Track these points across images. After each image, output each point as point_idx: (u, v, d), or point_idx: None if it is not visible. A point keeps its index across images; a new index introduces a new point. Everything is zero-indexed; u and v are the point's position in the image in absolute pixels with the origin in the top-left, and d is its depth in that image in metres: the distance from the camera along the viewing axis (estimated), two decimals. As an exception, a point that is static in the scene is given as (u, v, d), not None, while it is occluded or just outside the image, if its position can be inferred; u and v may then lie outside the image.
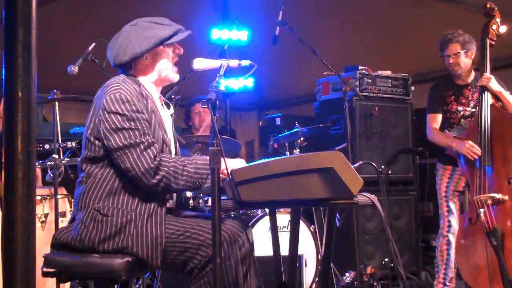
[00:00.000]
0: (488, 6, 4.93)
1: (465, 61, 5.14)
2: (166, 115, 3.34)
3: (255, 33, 7.66)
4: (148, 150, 2.97)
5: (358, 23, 7.62)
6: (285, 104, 9.93)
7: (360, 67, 6.24)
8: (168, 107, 3.41)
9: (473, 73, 5.24)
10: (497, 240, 4.44)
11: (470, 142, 4.76)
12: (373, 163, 3.45)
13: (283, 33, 5.26)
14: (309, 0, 7.42)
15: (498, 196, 4.51)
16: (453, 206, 5.20)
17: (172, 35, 3.24)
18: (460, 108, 5.17)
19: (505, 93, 4.91)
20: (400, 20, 7.40)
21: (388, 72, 6.43)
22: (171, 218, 3.12)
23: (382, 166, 6.09)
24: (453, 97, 5.22)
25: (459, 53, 5.12)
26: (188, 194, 5.26)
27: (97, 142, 3.05)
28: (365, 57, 7.02)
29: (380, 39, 7.65)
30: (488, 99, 4.77)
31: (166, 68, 3.27)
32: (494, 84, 4.82)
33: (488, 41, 4.85)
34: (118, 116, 2.98)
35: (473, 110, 5.13)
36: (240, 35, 7.56)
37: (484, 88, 4.81)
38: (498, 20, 4.91)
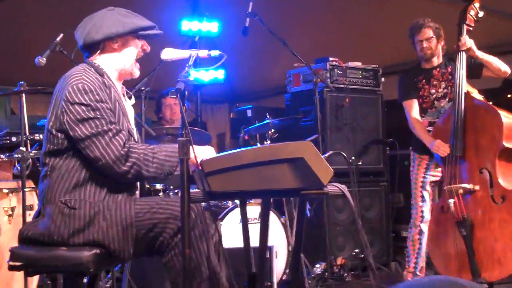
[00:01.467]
0: None
1: (435, 47, 5.22)
2: (128, 105, 3.31)
3: (225, 25, 7.63)
4: (117, 137, 2.94)
5: (328, 14, 7.61)
6: (256, 96, 9.90)
7: (331, 59, 6.25)
8: (130, 98, 3.38)
9: (441, 57, 5.31)
10: (467, 230, 4.48)
11: (439, 141, 4.81)
12: (343, 154, 3.45)
13: (254, 24, 5.24)
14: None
15: (469, 186, 4.54)
16: (427, 196, 5.24)
17: (148, 27, 3.22)
18: (433, 91, 5.24)
19: (483, 54, 4.95)
20: (371, 12, 7.40)
21: (358, 64, 6.45)
22: (137, 200, 3.10)
23: (353, 157, 6.10)
24: (424, 80, 5.28)
25: (432, 37, 5.19)
26: (158, 186, 5.24)
27: (59, 134, 3.00)
28: (335, 49, 7.01)
29: (351, 31, 7.66)
30: (464, 64, 4.77)
31: (130, 60, 3.24)
32: (471, 47, 4.83)
33: (465, 27, 4.85)
34: (83, 107, 2.94)
35: (445, 90, 5.19)
36: (210, 26, 7.53)
37: (466, 52, 4.82)
38: (477, 5, 4.87)
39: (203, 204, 5.15)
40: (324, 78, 5.95)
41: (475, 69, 5.03)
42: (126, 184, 3.08)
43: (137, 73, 3.31)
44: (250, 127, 5.83)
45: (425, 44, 5.19)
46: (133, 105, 3.40)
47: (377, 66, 6.50)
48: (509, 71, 5.07)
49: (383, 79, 6.51)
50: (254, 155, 2.69)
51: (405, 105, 5.31)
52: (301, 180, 2.70)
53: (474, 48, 4.85)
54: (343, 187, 2.92)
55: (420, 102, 5.27)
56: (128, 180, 2.99)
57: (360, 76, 6.39)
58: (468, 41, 4.80)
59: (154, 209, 3.00)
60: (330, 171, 2.71)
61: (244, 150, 2.74)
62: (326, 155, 2.93)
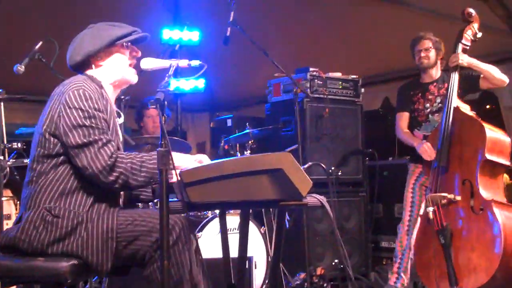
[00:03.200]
0: (465, 12, 5.03)
1: (434, 57, 5.36)
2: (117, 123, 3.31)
3: (206, 34, 7.65)
4: (105, 148, 2.93)
5: (309, 25, 7.64)
6: (237, 105, 9.90)
7: (311, 69, 6.25)
8: (119, 116, 3.38)
9: (439, 71, 5.43)
10: (446, 238, 4.54)
11: (428, 144, 4.94)
12: (322, 165, 3.46)
13: (235, 34, 5.24)
14: (261, 1, 7.43)
15: (450, 196, 4.60)
16: (417, 199, 5.32)
17: (125, 34, 3.21)
18: (428, 105, 5.36)
19: (479, 63, 5.03)
20: (351, 22, 7.45)
21: (338, 74, 6.47)
22: (122, 210, 3.09)
23: (332, 168, 6.10)
24: (419, 94, 5.41)
25: (430, 47, 5.33)
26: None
27: (52, 138, 3.00)
28: (316, 59, 7.05)
29: (331, 41, 7.70)
30: (456, 82, 4.87)
31: (122, 69, 3.24)
32: (465, 58, 4.94)
33: (460, 45, 4.96)
34: (80, 112, 2.95)
35: (440, 104, 5.27)
36: (191, 35, 7.54)
37: (455, 69, 4.90)
38: (475, 25, 5.00)
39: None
40: (304, 88, 5.96)
41: (473, 82, 5.13)
42: (111, 194, 3.07)
43: (135, 79, 3.30)
44: (230, 136, 5.83)
45: (422, 54, 5.35)
46: (121, 124, 3.41)
47: (357, 76, 6.53)
48: (506, 80, 5.14)
49: (363, 90, 6.53)
50: (233, 166, 2.69)
51: (397, 116, 5.51)
52: (280, 191, 2.71)
53: (464, 59, 4.92)
54: (322, 198, 2.94)
55: (416, 115, 5.42)
56: (116, 189, 2.99)
57: (340, 87, 6.41)
58: (455, 59, 4.91)
59: (136, 221, 3.00)
60: (309, 182, 2.72)
61: (223, 161, 2.74)
62: (305, 166, 2.94)
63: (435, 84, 5.39)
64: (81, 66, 3.20)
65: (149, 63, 3.11)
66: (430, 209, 4.60)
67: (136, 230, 2.98)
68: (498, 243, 4.33)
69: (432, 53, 5.34)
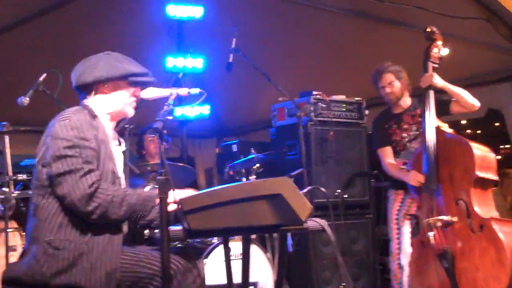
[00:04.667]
0: (428, 30, 5.00)
1: (399, 89, 5.33)
2: (118, 151, 3.33)
3: (210, 61, 7.70)
4: (87, 177, 2.94)
5: (311, 48, 7.70)
6: (242, 131, 9.94)
7: (315, 92, 6.26)
8: (120, 144, 3.39)
9: (409, 99, 5.41)
10: (448, 262, 4.48)
11: (413, 171, 4.86)
12: (322, 188, 3.46)
13: (239, 60, 5.29)
14: (262, 27, 7.48)
15: (446, 218, 4.55)
16: (404, 229, 5.25)
17: (140, 74, 3.25)
18: (404, 135, 5.33)
19: (450, 86, 4.99)
20: (353, 44, 7.49)
21: (342, 97, 6.47)
22: (126, 249, 3.10)
23: (339, 190, 6.10)
24: (395, 126, 5.38)
25: (393, 81, 5.32)
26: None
27: (44, 170, 3.04)
28: (319, 82, 7.07)
29: (334, 64, 7.74)
30: (432, 101, 4.83)
31: (121, 103, 3.27)
32: (438, 80, 4.91)
33: (430, 64, 4.94)
34: (64, 142, 2.97)
35: (417, 132, 5.26)
36: (195, 62, 7.60)
37: (428, 89, 4.87)
38: (439, 43, 4.98)
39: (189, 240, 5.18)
40: (308, 111, 5.97)
41: (443, 106, 5.09)
42: (111, 225, 3.07)
43: (131, 112, 3.33)
44: (235, 162, 5.84)
45: (388, 90, 5.34)
46: (123, 152, 3.42)
47: (360, 99, 6.53)
48: (477, 104, 5.08)
49: (367, 112, 6.53)
50: (233, 192, 2.71)
51: (379, 153, 5.46)
52: (280, 216, 2.73)
53: (438, 81, 4.90)
54: (323, 222, 2.94)
55: (394, 146, 5.38)
56: (93, 221, 2.97)
57: (344, 109, 6.41)
58: (428, 79, 4.88)
59: (142, 263, 3.03)
60: (308, 207, 2.73)
61: (222, 188, 2.76)
62: (305, 190, 2.94)
63: (407, 113, 5.36)
64: (86, 88, 3.23)
65: (149, 93, 3.16)
66: (431, 234, 4.54)
67: (140, 272, 3.02)
68: (504, 261, 4.27)
69: (397, 86, 5.32)
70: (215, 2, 7.44)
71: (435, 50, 4.95)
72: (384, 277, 6.71)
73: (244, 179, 5.78)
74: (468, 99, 5.03)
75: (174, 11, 7.25)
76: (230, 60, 5.29)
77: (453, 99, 5.10)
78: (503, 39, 6.49)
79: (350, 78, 7.73)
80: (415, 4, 6.28)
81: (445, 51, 4.99)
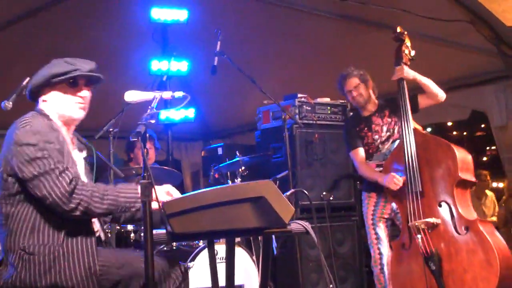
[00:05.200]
0: (399, 30, 5.05)
1: (366, 92, 5.36)
2: (79, 157, 3.29)
3: (195, 64, 7.69)
4: (63, 175, 2.92)
5: (296, 51, 7.71)
6: (228, 134, 9.95)
7: (299, 95, 6.29)
8: (81, 150, 3.35)
9: (376, 101, 5.44)
10: (436, 264, 4.48)
11: (391, 174, 4.84)
12: (304, 191, 3.46)
13: (224, 63, 5.28)
14: (247, 30, 7.49)
15: (432, 220, 4.54)
16: (381, 233, 5.24)
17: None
18: (376, 137, 5.33)
19: (420, 77, 5.04)
20: (338, 47, 7.51)
21: (327, 99, 6.51)
22: (104, 250, 3.10)
23: (324, 193, 6.12)
24: (366, 128, 5.38)
25: (358, 85, 5.35)
26: (130, 227, 5.22)
27: (9, 179, 3.00)
28: (304, 85, 7.08)
29: (319, 67, 7.74)
30: (406, 92, 4.87)
31: (63, 106, 3.20)
32: (408, 71, 4.95)
33: (403, 66, 4.97)
34: (31, 147, 2.94)
35: (388, 133, 5.28)
36: (180, 65, 7.59)
37: (401, 81, 4.91)
38: (408, 44, 5.03)
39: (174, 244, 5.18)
40: (293, 114, 5.99)
41: (411, 101, 5.02)
42: (83, 226, 3.05)
43: (78, 114, 3.23)
44: (220, 165, 5.84)
45: (354, 93, 5.36)
46: (85, 158, 3.38)
47: (345, 101, 6.55)
48: (443, 95, 5.14)
49: (351, 114, 6.56)
50: (216, 195, 2.70)
51: (352, 155, 5.43)
52: (264, 219, 2.72)
53: (408, 73, 4.94)
54: (307, 224, 2.94)
55: (366, 149, 5.36)
56: (77, 217, 2.94)
57: (329, 112, 6.44)
58: (399, 72, 4.92)
59: (127, 263, 3.03)
60: (291, 209, 2.73)
61: (205, 191, 2.75)
62: (288, 193, 2.95)
63: (376, 114, 5.37)
64: (31, 99, 3.25)
65: (133, 96, 3.13)
66: (419, 236, 4.53)
67: (118, 274, 3.02)
68: (493, 262, 4.29)
69: (362, 89, 5.34)
70: (199, 5, 7.44)
71: (406, 51, 5.01)
72: (370, 279, 6.72)
73: (229, 182, 5.77)
74: (435, 90, 5.08)
75: (158, 14, 7.25)
76: (215, 63, 5.29)
77: (419, 94, 5.14)
78: (486, 42, 6.53)
79: (335, 81, 7.71)
80: (400, 7, 6.30)
81: (413, 52, 5.03)
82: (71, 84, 3.20)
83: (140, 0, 7.29)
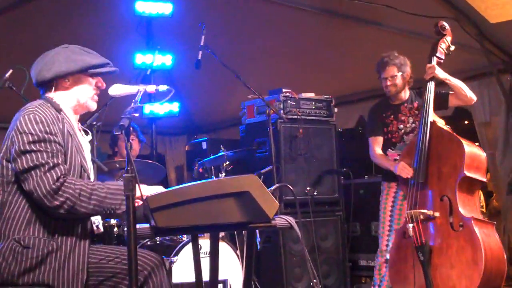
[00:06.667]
0: (439, 25, 5.06)
1: (401, 82, 5.31)
2: (85, 141, 3.30)
3: (179, 58, 7.67)
4: (52, 171, 2.90)
5: (281, 46, 7.70)
6: (213, 128, 9.93)
7: (284, 90, 6.28)
8: (87, 133, 3.36)
9: (408, 91, 5.42)
10: (425, 255, 4.53)
11: (402, 163, 4.89)
12: (289, 186, 3.46)
13: (209, 58, 5.27)
14: (232, 25, 7.47)
15: (429, 212, 4.60)
16: (395, 226, 5.26)
17: (99, 65, 3.21)
18: (401, 126, 5.34)
19: (451, 78, 5.06)
20: (323, 42, 7.51)
21: (311, 95, 6.50)
22: (100, 246, 3.13)
23: (308, 188, 6.13)
24: (392, 116, 5.38)
25: (395, 75, 5.28)
26: (113, 221, 5.19)
27: (8, 165, 3.00)
28: (288, 80, 7.09)
29: (303, 62, 7.75)
30: (432, 92, 4.89)
31: (84, 96, 3.23)
32: (440, 72, 4.97)
33: (435, 59, 4.98)
34: (30, 136, 2.93)
35: (413, 125, 5.29)
36: (164, 59, 7.57)
37: (430, 81, 4.92)
38: (448, 39, 5.03)
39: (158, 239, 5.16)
40: (277, 109, 5.98)
41: (442, 99, 5.13)
42: (79, 223, 3.04)
43: (93, 106, 3.28)
44: (204, 159, 5.83)
45: (389, 82, 5.30)
46: (90, 141, 3.38)
47: (330, 96, 6.56)
48: (474, 98, 5.19)
49: (336, 110, 6.57)
50: (200, 189, 2.70)
51: (370, 141, 5.43)
52: (248, 213, 2.73)
53: (439, 72, 4.95)
54: (291, 219, 2.94)
55: (389, 137, 5.37)
56: (62, 215, 2.93)
57: (314, 107, 6.44)
58: (430, 70, 4.92)
59: (117, 259, 3.04)
60: (275, 204, 2.73)
61: (189, 185, 2.75)
62: (272, 188, 2.95)
63: (405, 104, 5.37)
64: (46, 84, 3.17)
65: (117, 89, 3.10)
66: (410, 225, 4.59)
67: (116, 268, 3.02)
68: (479, 262, 4.33)
69: (399, 79, 5.29)
70: (184, -1, 7.41)
71: (442, 45, 5.01)
72: (354, 274, 6.75)
73: (213, 177, 5.77)
74: (466, 92, 5.10)
75: (143, 7, 7.21)
76: (199, 57, 5.28)
77: (451, 92, 5.16)
78: (470, 38, 6.56)
79: (319, 76, 7.75)
80: (384, 3, 6.30)
81: (452, 48, 5.04)
82: (93, 75, 3.22)
83: (124, -7, 7.25)
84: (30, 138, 2.93)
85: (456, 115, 7.90)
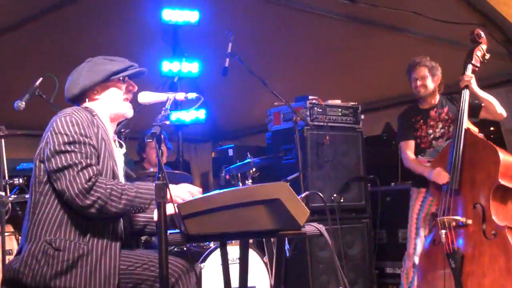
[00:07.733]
0: (475, 33, 5.05)
1: (431, 85, 5.30)
2: (119, 153, 3.33)
3: (206, 65, 7.70)
4: (84, 171, 2.92)
5: (307, 53, 7.70)
6: (238, 135, 9.94)
7: (310, 97, 6.28)
8: (121, 146, 3.39)
9: (438, 96, 5.39)
10: (456, 262, 4.50)
11: (439, 168, 4.85)
12: (319, 193, 3.46)
13: (235, 64, 5.29)
14: (258, 32, 7.49)
15: (462, 219, 4.57)
16: (421, 231, 5.24)
17: (122, 70, 3.25)
18: (430, 131, 5.31)
19: (482, 92, 5.04)
20: (349, 49, 7.50)
21: (338, 101, 6.49)
22: (128, 252, 3.10)
23: (335, 195, 6.11)
24: (421, 121, 5.36)
25: (426, 76, 5.28)
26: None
27: (41, 165, 3.03)
28: (315, 87, 7.08)
29: (330, 69, 7.75)
30: (467, 100, 4.87)
31: (117, 103, 3.26)
32: (474, 85, 4.95)
33: (470, 66, 4.97)
34: (65, 137, 2.97)
35: (442, 130, 5.26)
36: (191, 67, 7.61)
37: (465, 88, 4.90)
38: (484, 47, 5.02)
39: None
40: (304, 116, 5.98)
41: (474, 110, 5.09)
42: (111, 224, 3.06)
43: (130, 113, 3.32)
44: (231, 166, 5.84)
45: (419, 83, 5.30)
46: (124, 154, 3.41)
47: (356, 103, 6.55)
48: (504, 114, 5.16)
49: (362, 116, 6.55)
50: (230, 197, 2.70)
51: (402, 145, 5.41)
52: (278, 221, 2.72)
53: (474, 85, 4.93)
54: (321, 227, 2.94)
55: (418, 142, 5.35)
56: (92, 215, 2.94)
57: (340, 114, 6.43)
58: (467, 78, 4.91)
59: (146, 265, 3.04)
60: (306, 212, 2.73)
61: (220, 193, 2.75)
62: (302, 195, 2.95)
63: (435, 109, 5.34)
64: (78, 99, 3.23)
65: (147, 97, 3.13)
66: (443, 232, 4.55)
67: (144, 274, 3.02)
68: (512, 271, 4.30)
69: (429, 81, 5.28)
70: (210, 6, 7.44)
71: (478, 53, 5.00)
72: (380, 282, 6.72)
73: (240, 184, 5.77)
74: (497, 108, 5.08)
75: (169, 15, 7.26)
76: (226, 64, 5.29)
77: (483, 105, 5.13)
78: (497, 45, 6.51)
79: (346, 83, 7.75)
80: (411, 10, 6.29)
81: (487, 56, 5.04)
82: (119, 81, 3.26)
83: (151, 1, 7.30)
84: (66, 139, 2.97)
85: (481, 121, 7.85)
